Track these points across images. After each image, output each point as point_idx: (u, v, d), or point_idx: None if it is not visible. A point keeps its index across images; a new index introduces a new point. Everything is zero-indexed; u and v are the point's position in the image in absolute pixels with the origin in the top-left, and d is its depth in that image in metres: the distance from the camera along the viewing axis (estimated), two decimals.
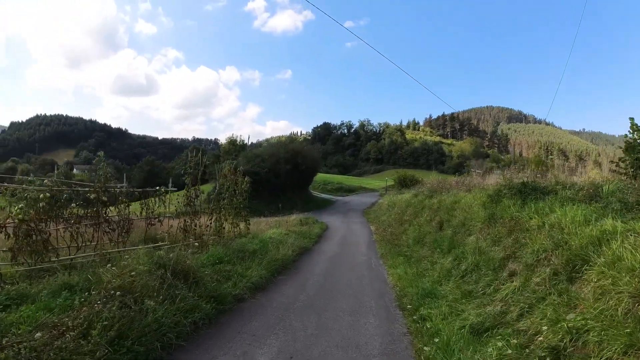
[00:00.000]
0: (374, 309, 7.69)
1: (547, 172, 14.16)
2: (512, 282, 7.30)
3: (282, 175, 37.83)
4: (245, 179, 15.51)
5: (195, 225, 10.98)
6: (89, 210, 8.04)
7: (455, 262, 9.84)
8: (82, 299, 5.37)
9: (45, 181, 7.27)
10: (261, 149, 45.09)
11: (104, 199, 7.97)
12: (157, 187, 10.42)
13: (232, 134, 59.91)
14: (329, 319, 6.91)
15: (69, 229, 7.54)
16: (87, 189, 8.18)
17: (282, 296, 8.33)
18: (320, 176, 69.37)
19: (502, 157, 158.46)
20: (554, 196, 9.33)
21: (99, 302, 4.95)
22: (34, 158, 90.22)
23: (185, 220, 10.71)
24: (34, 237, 6.53)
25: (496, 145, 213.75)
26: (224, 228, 12.85)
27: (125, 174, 43.10)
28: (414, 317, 6.85)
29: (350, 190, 66.09)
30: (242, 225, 15.45)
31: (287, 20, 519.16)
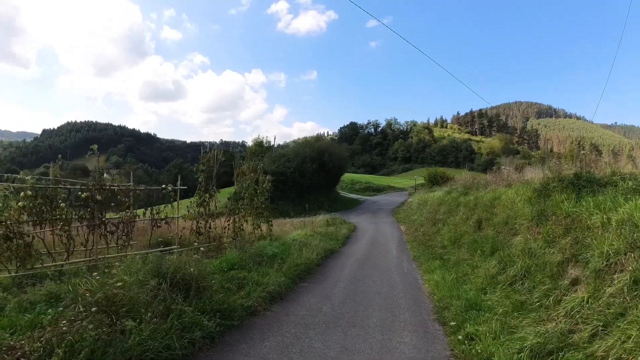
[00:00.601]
0: (409, 324, 6.49)
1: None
2: (577, 292, 6.01)
3: (308, 174, 36.87)
4: (267, 177, 14.55)
5: (210, 228, 10.04)
6: (82, 212, 7.17)
7: (501, 267, 8.53)
8: (55, 315, 4.45)
9: (28, 178, 6.41)
10: (287, 149, 44.09)
11: (99, 197, 7.10)
12: (163, 186, 9.47)
13: (259, 135, 58.92)
14: (356, 337, 5.76)
15: (58, 231, 6.69)
16: (78, 186, 7.35)
17: (302, 308, 7.25)
18: (347, 176, 68.21)
19: (533, 153, 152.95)
20: (614, 188, 7.92)
21: (65, 321, 3.99)
22: (66, 164, 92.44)
23: (197, 222, 9.79)
24: (14, 241, 5.68)
25: (526, 142, 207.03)
26: (242, 230, 11.90)
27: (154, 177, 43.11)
28: (459, 337, 5.61)
29: (379, 190, 64.54)
30: (264, 227, 14.51)
31: (310, 21, 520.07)
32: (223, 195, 14.86)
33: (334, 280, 9.64)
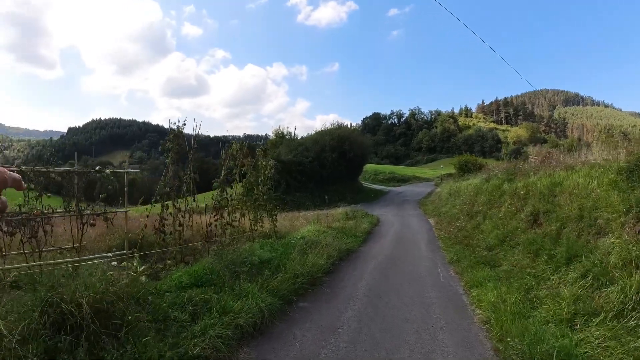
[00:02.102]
0: None
1: None
2: None
3: (328, 164, 34.13)
4: (269, 162, 11.96)
5: (180, 225, 7.50)
6: None
7: (591, 283, 5.69)
8: None
9: None
10: (305, 138, 41.19)
11: None
12: (98, 167, 6.87)
13: (279, 127, 56.20)
14: None
15: None
16: None
17: (288, 353, 4.63)
18: (370, 166, 65.21)
19: (561, 142, 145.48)
20: None
21: None
22: (91, 160, 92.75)
23: (162, 218, 7.26)
24: None
25: (553, 130, 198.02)
26: (234, 227, 9.36)
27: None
28: None
29: (403, 180, 61.20)
30: (267, 222, 11.97)
31: (330, 12, 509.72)
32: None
33: (345, 297, 6.98)
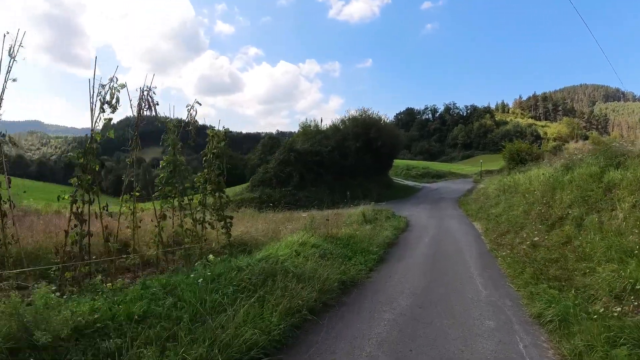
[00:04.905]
0: None
1: None
2: None
3: (351, 154, 28.86)
4: (218, 133, 7.22)
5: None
6: None
7: None
8: None
9: None
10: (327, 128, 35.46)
11: None
12: None
13: (306, 119, 51.09)
14: None
15: None
16: None
17: None
18: (402, 161, 59.40)
19: (604, 138, 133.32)
20: None
21: None
22: (124, 156, 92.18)
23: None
24: None
25: (594, 127, 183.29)
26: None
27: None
28: None
29: (439, 176, 54.87)
30: (218, 227, 7.29)
31: (362, 7, 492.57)
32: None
33: None
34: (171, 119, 6.70)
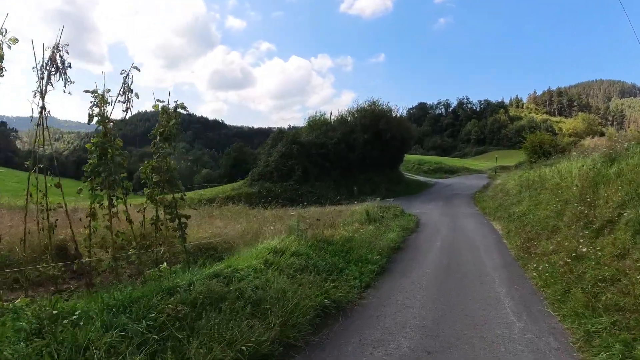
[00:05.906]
0: None
1: None
2: None
3: (358, 147, 27.03)
4: (166, 112, 5.61)
5: None
6: None
7: None
8: None
9: None
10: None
11: None
12: None
13: (315, 112, 49.14)
14: None
15: None
16: None
17: None
18: (414, 156, 57.27)
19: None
20: None
21: None
22: (135, 151, 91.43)
23: None
24: None
25: (610, 123, 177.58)
26: None
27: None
28: None
29: (452, 172, 52.59)
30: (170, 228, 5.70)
31: (374, 1, 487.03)
32: None
33: None
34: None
